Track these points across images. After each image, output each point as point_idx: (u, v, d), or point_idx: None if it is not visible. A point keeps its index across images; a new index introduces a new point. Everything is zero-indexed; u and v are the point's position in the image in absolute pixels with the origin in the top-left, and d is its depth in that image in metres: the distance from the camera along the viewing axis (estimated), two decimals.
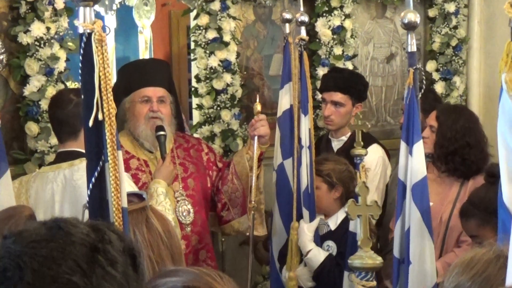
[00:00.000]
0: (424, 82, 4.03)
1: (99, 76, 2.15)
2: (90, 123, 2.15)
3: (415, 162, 3.73)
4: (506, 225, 2.27)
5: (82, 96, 2.27)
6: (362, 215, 3.68)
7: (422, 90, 3.88)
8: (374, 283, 3.77)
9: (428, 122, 4.82)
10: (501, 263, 1.97)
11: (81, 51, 2.20)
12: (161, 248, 2.49)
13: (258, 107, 4.71)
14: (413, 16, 3.76)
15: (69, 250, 1.23)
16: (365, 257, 3.57)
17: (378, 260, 3.60)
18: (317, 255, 4.55)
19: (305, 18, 4.86)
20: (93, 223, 1.36)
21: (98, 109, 2.15)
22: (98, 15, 8.15)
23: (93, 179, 2.22)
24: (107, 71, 2.16)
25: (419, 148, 3.75)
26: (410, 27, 3.81)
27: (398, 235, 3.79)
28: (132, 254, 1.34)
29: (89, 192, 2.27)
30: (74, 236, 1.26)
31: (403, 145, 3.80)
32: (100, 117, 2.16)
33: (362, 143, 4.32)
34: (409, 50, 3.88)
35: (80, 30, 2.24)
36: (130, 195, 2.61)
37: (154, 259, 2.45)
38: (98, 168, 2.20)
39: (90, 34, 2.17)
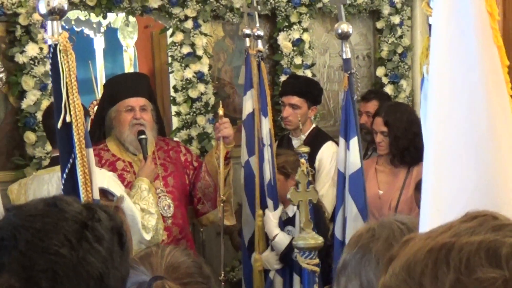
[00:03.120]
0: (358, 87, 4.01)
1: (66, 82, 2.13)
2: (59, 125, 2.14)
3: (352, 156, 3.77)
4: None
5: (54, 102, 2.25)
6: (302, 200, 3.63)
7: (358, 92, 3.90)
8: (317, 260, 3.70)
9: (378, 129, 4.75)
10: (370, 234, 1.92)
11: (50, 61, 2.18)
12: None
13: (220, 111, 4.70)
14: (345, 27, 3.82)
15: (61, 225, 1.23)
16: (308, 238, 3.52)
17: (319, 240, 3.56)
18: (283, 239, 4.56)
19: (261, 33, 4.89)
20: (88, 203, 1.37)
21: (66, 112, 2.13)
22: (88, 38, 8.21)
23: (64, 175, 2.21)
24: (73, 77, 2.14)
25: (355, 143, 3.78)
26: (343, 36, 3.85)
27: (340, 220, 3.81)
28: (119, 233, 1.33)
29: (62, 186, 2.26)
30: (67, 213, 1.26)
31: (341, 141, 3.84)
32: (67, 119, 2.14)
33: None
34: (344, 57, 3.93)
35: (49, 42, 2.23)
36: (103, 191, 2.59)
37: None
38: (69, 165, 2.19)
39: (56, 45, 2.15)
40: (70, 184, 2.23)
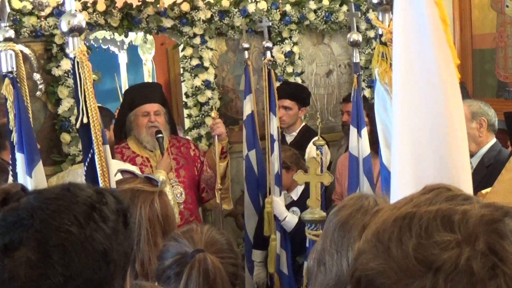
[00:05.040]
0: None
1: (84, 89, 2.10)
2: (77, 125, 2.11)
3: (363, 143, 3.76)
4: (387, 181, 2.24)
5: (76, 105, 2.23)
6: (311, 182, 3.59)
7: (364, 91, 3.88)
8: (320, 231, 3.62)
9: None
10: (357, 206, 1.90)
11: (72, 71, 2.15)
12: (155, 225, 2.43)
13: (212, 114, 4.80)
14: (356, 36, 3.86)
15: (72, 207, 1.22)
16: (315, 212, 3.50)
17: (323, 214, 3.53)
18: (292, 218, 4.61)
19: (270, 44, 4.94)
20: (101, 188, 1.36)
21: (83, 114, 2.11)
22: (113, 54, 8.20)
23: (85, 167, 2.18)
24: (89, 85, 2.10)
25: (365, 133, 3.78)
26: (354, 44, 3.89)
27: None
28: (124, 214, 1.31)
29: (84, 177, 2.23)
30: (78, 197, 1.25)
31: (354, 131, 3.80)
32: (84, 120, 2.11)
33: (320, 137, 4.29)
34: (354, 61, 3.93)
35: (71, 56, 2.20)
36: (147, 178, 2.58)
37: (150, 231, 2.41)
38: (88, 159, 2.16)
39: (75, 57, 2.12)
40: (90, 175, 2.20)
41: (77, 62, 2.10)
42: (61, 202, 1.23)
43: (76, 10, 2.24)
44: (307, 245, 4.00)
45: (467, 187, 1.86)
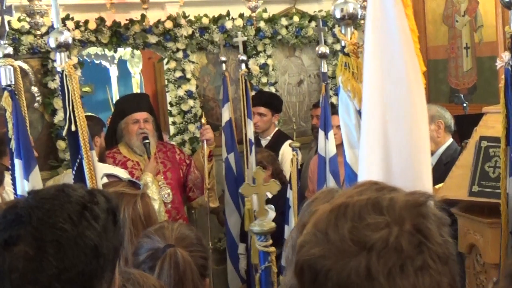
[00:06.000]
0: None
1: (72, 100, 2.07)
2: (64, 133, 2.09)
3: (330, 144, 3.76)
4: (351, 178, 2.25)
5: (64, 115, 2.20)
6: (258, 193, 3.49)
7: (331, 98, 3.86)
8: (270, 241, 3.55)
9: (334, 124, 4.73)
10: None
11: (60, 83, 2.12)
12: (138, 225, 2.41)
13: (202, 120, 4.83)
14: (324, 49, 3.86)
15: (66, 206, 1.22)
16: (263, 225, 3.39)
17: (272, 225, 3.42)
18: (270, 214, 4.52)
19: (245, 57, 4.91)
20: (92, 189, 1.37)
21: (70, 122, 2.08)
22: (105, 68, 8.15)
23: (73, 171, 2.15)
24: (77, 96, 2.08)
25: (331, 135, 3.77)
26: (322, 56, 3.89)
27: None
28: (113, 213, 1.31)
29: (73, 180, 2.21)
30: (72, 197, 1.25)
31: (321, 133, 3.80)
32: (73, 128, 2.08)
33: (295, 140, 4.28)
34: (322, 71, 3.93)
35: (58, 69, 2.17)
36: (131, 182, 2.55)
37: (133, 231, 2.38)
38: (76, 164, 2.13)
39: (63, 71, 2.09)
40: (78, 178, 2.17)
41: (65, 75, 2.07)
42: (56, 202, 1.23)
43: (65, 27, 2.21)
44: (284, 236, 3.95)
45: (428, 182, 1.87)
